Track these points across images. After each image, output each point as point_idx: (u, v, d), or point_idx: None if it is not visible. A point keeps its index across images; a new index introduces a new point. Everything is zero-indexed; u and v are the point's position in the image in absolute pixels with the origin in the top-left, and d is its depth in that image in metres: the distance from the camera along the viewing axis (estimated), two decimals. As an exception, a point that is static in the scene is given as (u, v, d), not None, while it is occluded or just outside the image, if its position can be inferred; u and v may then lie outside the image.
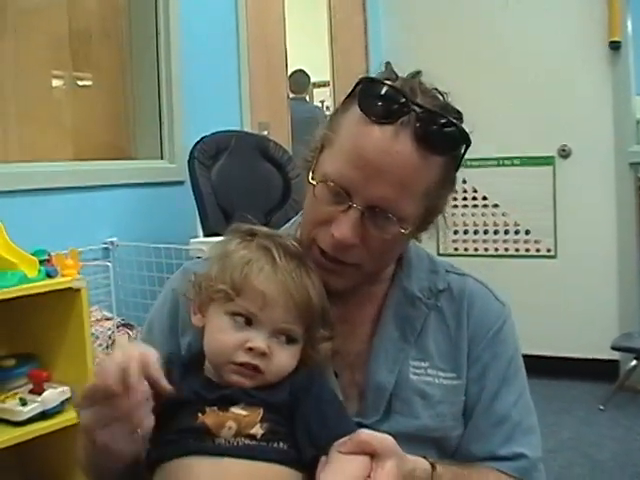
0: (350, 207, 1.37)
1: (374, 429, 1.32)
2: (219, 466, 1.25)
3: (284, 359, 1.35)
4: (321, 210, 1.42)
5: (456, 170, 1.45)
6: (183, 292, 1.47)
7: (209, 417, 1.28)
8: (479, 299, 1.61)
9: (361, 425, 1.37)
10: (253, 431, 1.27)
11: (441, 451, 1.51)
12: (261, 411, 1.29)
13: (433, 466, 1.37)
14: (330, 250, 1.41)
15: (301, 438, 1.29)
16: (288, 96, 5.48)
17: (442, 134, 1.36)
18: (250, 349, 1.31)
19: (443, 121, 1.36)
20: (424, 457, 1.38)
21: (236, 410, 1.29)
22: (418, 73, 1.44)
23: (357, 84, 1.42)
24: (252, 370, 1.32)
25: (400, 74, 1.45)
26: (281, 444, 1.28)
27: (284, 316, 1.34)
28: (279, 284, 1.35)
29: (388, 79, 1.41)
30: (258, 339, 1.32)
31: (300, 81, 7.24)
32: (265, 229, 1.46)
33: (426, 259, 1.63)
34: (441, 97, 1.43)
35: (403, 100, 1.36)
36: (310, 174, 1.45)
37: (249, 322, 1.34)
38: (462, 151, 1.42)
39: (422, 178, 1.38)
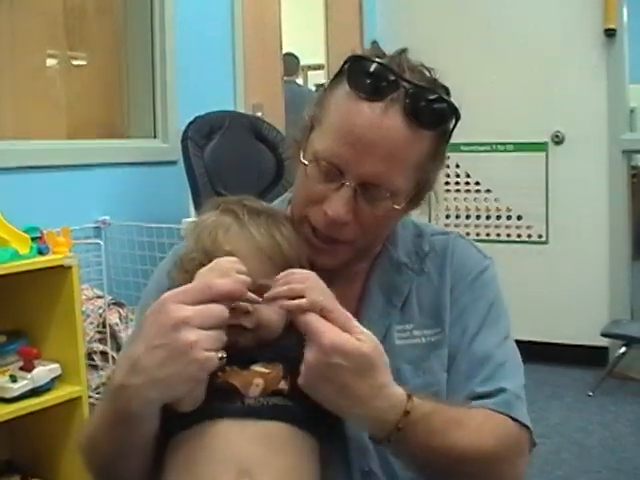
0: (342, 185, 1.38)
1: None
2: (249, 430, 1.25)
3: (269, 314, 1.34)
4: (313, 189, 1.42)
5: (446, 144, 1.46)
6: (170, 277, 1.47)
7: (232, 376, 1.27)
8: (459, 250, 1.62)
9: None
10: (280, 386, 1.27)
11: None
12: (281, 367, 1.29)
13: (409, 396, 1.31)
14: (323, 228, 1.42)
15: None
16: (282, 78, 5.47)
17: (431, 109, 1.37)
18: (233, 309, 1.29)
19: (432, 96, 1.37)
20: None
21: (257, 368, 1.28)
22: (404, 50, 1.44)
23: (345, 62, 1.42)
24: (241, 330, 1.32)
25: (387, 53, 1.45)
26: (301, 406, 1.28)
27: (258, 271, 1.33)
28: (247, 240, 1.36)
29: (376, 56, 1.41)
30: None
31: (290, 63, 7.22)
32: (235, 197, 1.47)
33: (411, 225, 1.63)
34: (428, 73, 1.43)
35: (392, 76, 1.37)
36: (301, 153, 1.45)
37: None
38: (452, 125, 1.43)
39: (413, 152, 1.38)
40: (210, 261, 1.33)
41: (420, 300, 1.56)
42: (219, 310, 1.19)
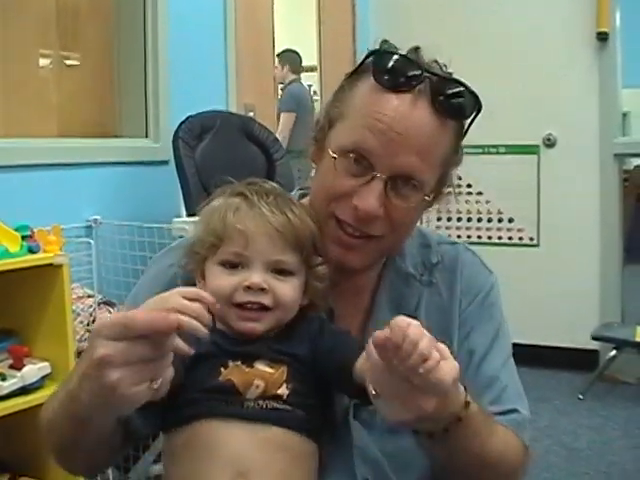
0: (373, 178, 1.37)
1: (370, 413, 1.39)
2: (247, 432, 1.26)
3: (286, 291, 1.35)
4: (341, 183, 1.40)
5: (463, 137, 1.47)
6: (182, 266, 1.47)
7: (234, 373, 1.27)
8: (469, 265, 1.62)
9: (356, 407, 1.43)
10: (280, 391, 1.28)
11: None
12: (285, 369, 1.30)
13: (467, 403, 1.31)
14: (354, 222, 1.40)
15: (326, 368, 1.32)
16: (275, 78, 5.48)
17: (457, 99, 1.40)
18: (248, 287, 1.32)
19: (457, 88, 1.40)
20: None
21: (261, 366, 1.29)
22: (418, 48, 1.46)
23: (366, 57, 1.44)
24: (258, 310, 1.33)
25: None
26: (302, 412, 1.29)
27: (271, 248, 1.35)
28: (256, 218, 1.36)
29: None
30: (253, 276, 1.33)
31: (294, 59, 7.21)
32: (243, 182, 1.47)
33: (416, 232, 1.62)
34: (443, 68, 1.46)
35: (417, 69, 1.38)
36: (327, 149, 1.43)
37: (241, 265, 1.35)
38: (472, 117, 1.44)
39: (440, 144, 1.40)
40: (222, 241, 1.35)
41: (429, 314, 1.55)
42: (141, 350, 1.09)
